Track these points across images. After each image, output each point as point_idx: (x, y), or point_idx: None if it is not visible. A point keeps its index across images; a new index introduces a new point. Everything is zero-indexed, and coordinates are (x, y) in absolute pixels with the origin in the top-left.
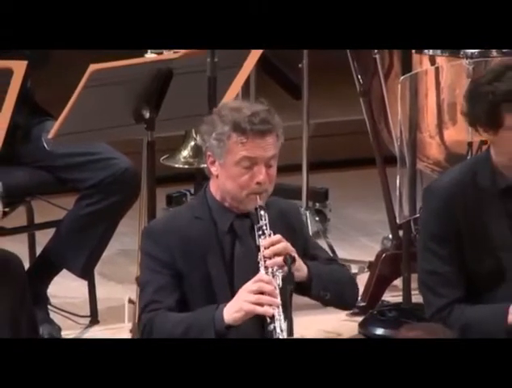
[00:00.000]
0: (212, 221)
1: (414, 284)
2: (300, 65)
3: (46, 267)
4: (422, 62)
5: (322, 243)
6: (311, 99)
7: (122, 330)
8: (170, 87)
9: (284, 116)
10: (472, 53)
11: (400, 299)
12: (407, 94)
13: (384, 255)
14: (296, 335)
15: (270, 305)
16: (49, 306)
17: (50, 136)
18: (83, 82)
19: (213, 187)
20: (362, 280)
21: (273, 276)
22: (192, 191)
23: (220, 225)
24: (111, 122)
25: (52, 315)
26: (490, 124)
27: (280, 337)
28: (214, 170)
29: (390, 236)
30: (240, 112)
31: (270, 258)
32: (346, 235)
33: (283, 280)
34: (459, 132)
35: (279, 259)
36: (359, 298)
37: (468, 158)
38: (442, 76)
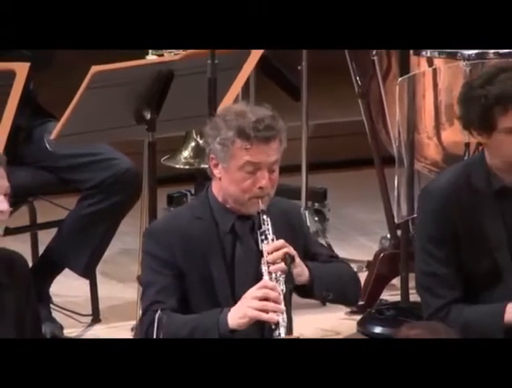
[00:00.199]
0: (214, 221)
1: (412, 283)
2: (299, 67)
3: (48, 266)
4: (420, 64)
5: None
6: (310, 101)
7: (123, 328)
8: (171, 89)
9: (284, 117)
10: (469, 55)
11: (398, 298)
12: (405, 95)
13: (382, 255)
14: (295, 333)
15: (275, 311)
16: (51, 305)
17: (52, 137)
18: (85, 83)
19: (215, 189)
20: (360, 280)
21: (276, 281)
22: (193, 191)
23: (222, 226)
24: (112, 123)
25: (55, 314)
26: (483, 128)
27: None
28: (217, 172)
29: (388, 236)
30: (245, 118)
31: (273, 263)
32: (344, 235)
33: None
34: (456, 133)
35: (283, 265)
36: None
37: (465, 159)
38: (440, 77)
